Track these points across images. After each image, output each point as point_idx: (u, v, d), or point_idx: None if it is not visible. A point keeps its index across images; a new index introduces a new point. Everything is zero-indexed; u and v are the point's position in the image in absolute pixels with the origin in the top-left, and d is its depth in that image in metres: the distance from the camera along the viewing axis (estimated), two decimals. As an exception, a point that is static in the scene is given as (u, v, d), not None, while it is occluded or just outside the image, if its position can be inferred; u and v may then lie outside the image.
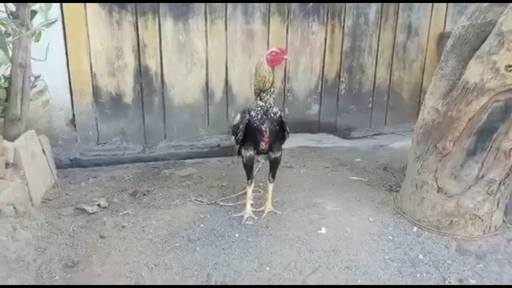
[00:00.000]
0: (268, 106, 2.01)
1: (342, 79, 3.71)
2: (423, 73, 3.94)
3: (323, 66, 3.62)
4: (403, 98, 3.96)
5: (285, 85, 3.55)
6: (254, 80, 2.02)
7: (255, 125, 2.01)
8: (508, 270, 1.85)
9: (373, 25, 3.63)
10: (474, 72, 1.82)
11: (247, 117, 2.01)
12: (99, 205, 2.25)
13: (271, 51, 1.99)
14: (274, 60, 1.99)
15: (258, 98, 2.02)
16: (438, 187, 2.05)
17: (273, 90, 2.02)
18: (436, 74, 2.06)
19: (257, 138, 2.05)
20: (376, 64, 3.77)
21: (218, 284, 1.69)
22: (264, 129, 2.01)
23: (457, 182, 2.01)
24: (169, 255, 1.85)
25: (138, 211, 2.23)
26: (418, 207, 2.15)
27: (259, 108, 2.01)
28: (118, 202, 2.34)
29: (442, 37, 3.76)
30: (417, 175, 2.14)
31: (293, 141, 3.29)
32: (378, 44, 3.71)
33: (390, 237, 2.04)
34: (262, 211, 2.24)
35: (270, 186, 2.25)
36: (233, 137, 2.15)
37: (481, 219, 2.03)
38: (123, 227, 2.06)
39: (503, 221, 2.17)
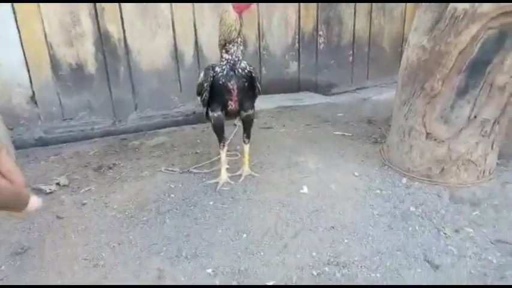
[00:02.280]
0: (236, 59, 1.77)
1: (320, 32, 3.46)
2: (404, 21, 3.72)
3: (299, 20, 3.36)
4: (384, 49, 3.75)
5: (260, 43, 3.29)
6: (219, 31, 1.77)
7: (221, 82, 1.77)
8: (504, 215, 1.71)
9: (349, -30, 3.37)
10: (463, -3, 1.61)
11: (211, 74, 1.77)
12: (58, 183, 2.03)
13: None
14: (241, 5, 1.72)
15: (224, 50, 1.78)
16: (427, 132, 1.88)
17: (241, 41, 1.77)
18: (420, 7, 1.84)
19: (224, 97, 1.82)
20: (355, 14, 3.53)
21: (188, 256, 1.51)
22: (231, 86, 1.77)
23: (447, 126, 1.83)
24: (135, 231, 1.65)
25: (101, 187, 2.02)
26: (406, 156, 1.98)
27: (225, 62, 1.78)
28: (80, 179, 2.12)
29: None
30: (404, 121, 1.96)
31: (272, 101, 3.11)
32: (356, -9, 3.46)
33: (378, 191, 1.87)
34: (240, 175, 2.05)
35: (246, 148, 2.05)
36: (199, 98, 1.92)
37: (475, 163, 1.87)
38: (83, 204, 1.85)
39: (497, 163, 2.02)
